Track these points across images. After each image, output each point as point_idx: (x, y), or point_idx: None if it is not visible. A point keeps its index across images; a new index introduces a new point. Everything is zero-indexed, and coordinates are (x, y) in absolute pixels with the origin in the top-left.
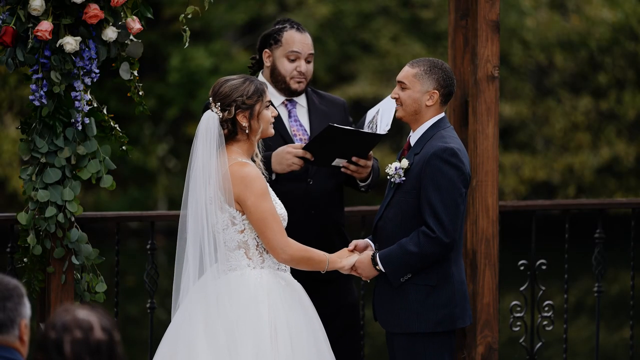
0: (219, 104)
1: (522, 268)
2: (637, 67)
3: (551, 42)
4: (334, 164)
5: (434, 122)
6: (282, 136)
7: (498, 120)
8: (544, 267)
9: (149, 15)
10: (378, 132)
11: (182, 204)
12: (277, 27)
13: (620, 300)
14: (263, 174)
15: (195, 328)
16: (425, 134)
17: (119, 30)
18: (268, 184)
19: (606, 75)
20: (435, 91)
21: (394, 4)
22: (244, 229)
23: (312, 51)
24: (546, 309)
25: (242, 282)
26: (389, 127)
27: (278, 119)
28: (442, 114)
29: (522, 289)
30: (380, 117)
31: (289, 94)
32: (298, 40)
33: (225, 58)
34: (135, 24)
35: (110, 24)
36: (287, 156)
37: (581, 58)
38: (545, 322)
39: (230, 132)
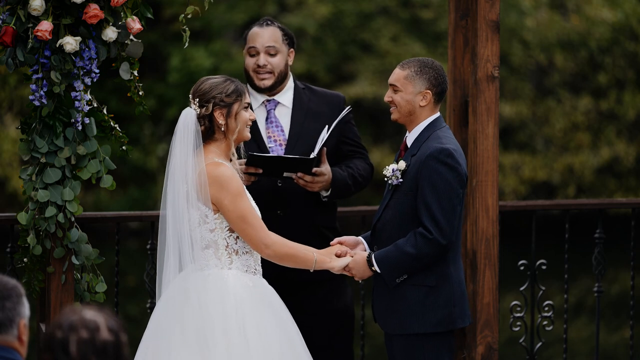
0: (198, 99)
1: (522, 268)
2: (637, 67)
3: (551, 42)
4: (285, 175)
5: (430, 122)
6: (255, 141)
7: (498, 120)
8: (544, 267)
9: (149, 15)
10: (310, 156)
11: (162, 203)
12: None
13: (620, 300)
14: (240, 176)
15: (170, 326)
16: (422, 135)
17: (119, 30)
18: (244, 185)
19: (606, 75)
20: (428, 91)
21: (394, 4)
22: (215, 228)
23: (272, 44)
24: (546, 309)
25: (209, 282)
26: (316, 152)
27: (253, 123)
28: (437, 114)
29: (522, 289)
30: (320, 139)
31: (260, 91)
32: (256, 35)
33: (225, 58)
34: (135, 24)
35: (110, 24)
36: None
37: (581, 58)
38: (545, 322)
39: (207, 130)
